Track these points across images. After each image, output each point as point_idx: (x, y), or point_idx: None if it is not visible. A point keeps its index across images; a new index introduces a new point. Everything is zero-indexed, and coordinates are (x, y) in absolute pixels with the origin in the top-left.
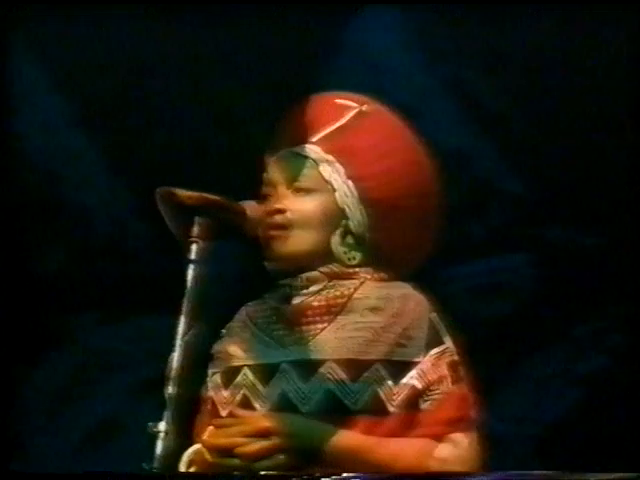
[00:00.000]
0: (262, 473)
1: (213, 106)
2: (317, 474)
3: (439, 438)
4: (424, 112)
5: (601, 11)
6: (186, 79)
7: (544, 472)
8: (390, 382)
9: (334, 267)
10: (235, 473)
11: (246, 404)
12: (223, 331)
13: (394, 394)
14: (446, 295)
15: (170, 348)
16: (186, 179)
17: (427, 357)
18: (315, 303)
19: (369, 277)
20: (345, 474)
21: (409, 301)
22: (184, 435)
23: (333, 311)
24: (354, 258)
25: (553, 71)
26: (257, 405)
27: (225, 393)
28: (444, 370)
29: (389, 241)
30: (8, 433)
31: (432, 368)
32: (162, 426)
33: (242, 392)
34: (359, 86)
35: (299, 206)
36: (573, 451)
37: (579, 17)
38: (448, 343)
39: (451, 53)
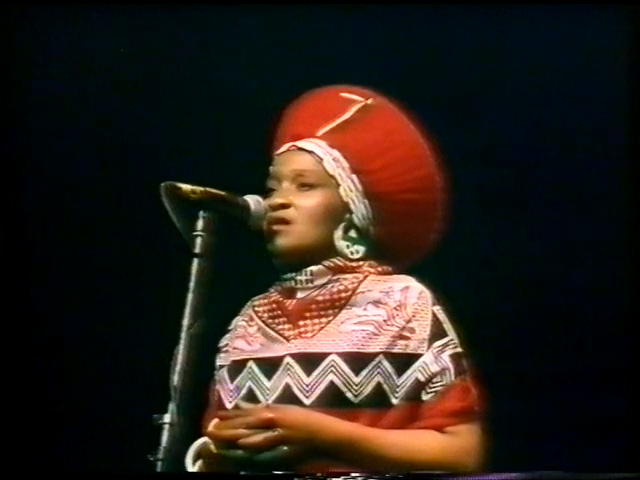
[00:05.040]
0: (277, 473)
1: (218, 100)
2: (319, 474)
3: (442, 430)
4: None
5: (600, 12)
6: (190, 73)
7: (544, 472)
8: (393, 375)
9: (338, 261)
10: (241, 473)
11: (251, 397)
12: (230, 326)
13: (397, 386)
14: (450, 288)
15: (175, 340)
16: (190, 173)
17: (430, 349)
18: (319, 298)
19: (372, 271)
20: (353, 474)
21: (412, 294)
22: (189, 427)
23: (337, 305)
24: (357, 252)
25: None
26: (262, 398)
27: (231, 386)
28: (447, 362)
29: (393, 234)
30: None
31: (435, 360)
32: (167, 418)
33: (247, 385)
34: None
35: (303, 201)
36: (573, 451)
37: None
38: (451, 335)
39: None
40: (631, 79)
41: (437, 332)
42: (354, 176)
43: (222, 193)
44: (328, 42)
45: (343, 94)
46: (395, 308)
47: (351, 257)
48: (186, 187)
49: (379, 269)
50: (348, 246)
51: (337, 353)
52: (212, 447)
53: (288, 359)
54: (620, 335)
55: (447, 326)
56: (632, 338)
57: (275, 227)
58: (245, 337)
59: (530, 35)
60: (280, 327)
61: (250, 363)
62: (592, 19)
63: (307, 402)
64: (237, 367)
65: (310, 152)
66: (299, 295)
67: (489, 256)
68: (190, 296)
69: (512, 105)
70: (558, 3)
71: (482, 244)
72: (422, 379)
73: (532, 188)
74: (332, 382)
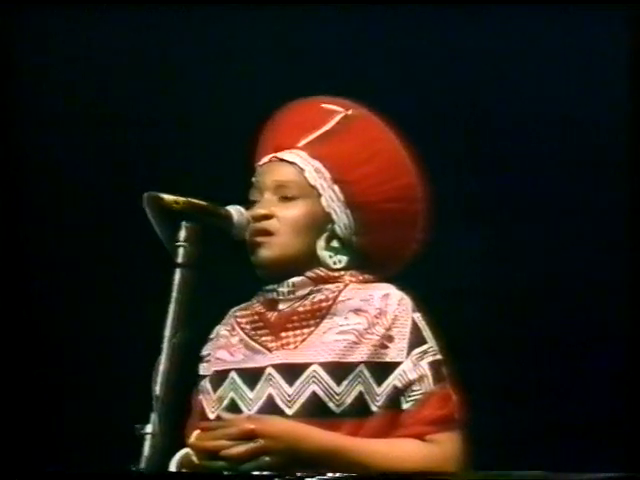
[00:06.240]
0: (254, 473)
1: (200, 112)
2: (300, 474)
3: (422, 438)
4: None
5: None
6: (172, 85)
7: (544, 472)
8: (374, 383)
9: (320, 271)
10: (225, 473)
11: (234, 408)
12: (212, 335)
13: (377, 395)
14: (431, 295)
15: (157, 351)
16: (173, 184)
17: (409, 357)
18: (301, 309)
19: (354, 280)
20: (329, 474)
21: (392, 301)
22: (172, 437)
23: (318, 315)
24: (340, 262)
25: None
26: (244, 408)
27: (214, 397)
28: (425, 370)
29: (375, 244)
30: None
31: (413, 368)
32: (149, 428)
33: (230, 396)
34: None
35: (285, 212)
36: (557, 455)
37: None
38: (431, 342)
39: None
40: (632, 81)
41: (416, 339)
42: (335, 186)
43: (204, 204)
44: (309, 53)
45: (324, 105)
46: (376, 316)
47: (334, 267)
48: (169, 197)
49: (360, 278)
50: (331, 256)
51: (319, 363)
52: (194, 458)
53: (270, 370)
54: (603, 340)
55: (427, 333)
56: (614, 343)
57: (258, 238)
58: (227, 347)
59: (515, 39)
60: (263, 339)
61: (232, 373)
62: (591, 21)
63: (289, 412)
64: (219, 377)
65: (292, 163)
66: (281, 307)
67: (470, 264)
68: (172, 306)
69: (494, 113)
70: (556, 3)
71: (463, 252)
72: (400, 386)
73: (513, 197)
74: (314, 392)
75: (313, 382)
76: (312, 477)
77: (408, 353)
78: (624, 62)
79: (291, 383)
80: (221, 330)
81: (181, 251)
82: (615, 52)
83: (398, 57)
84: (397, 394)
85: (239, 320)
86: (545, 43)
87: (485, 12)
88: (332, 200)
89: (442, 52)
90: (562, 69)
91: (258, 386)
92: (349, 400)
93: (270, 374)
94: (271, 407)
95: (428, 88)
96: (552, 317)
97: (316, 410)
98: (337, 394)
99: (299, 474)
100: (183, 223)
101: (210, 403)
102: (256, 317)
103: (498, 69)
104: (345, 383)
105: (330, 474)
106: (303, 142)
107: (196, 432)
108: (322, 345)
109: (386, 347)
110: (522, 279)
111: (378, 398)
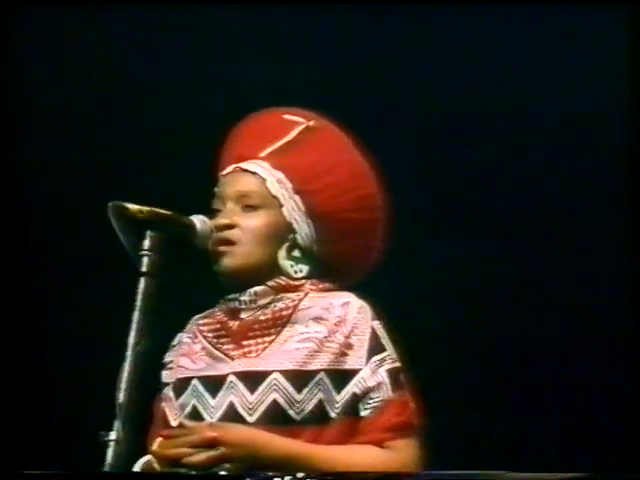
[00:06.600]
0: (223, 474)
1: (165, 121)
2: (271, 474)
3: (380, 444)
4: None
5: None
6: (137, 94)
7: (542, 474)
8: (333, 391)
9: (281, 280)
10: (193, 473)
11: (196, 415)
12: (174, 342)
13: (337, 402)
14: (390, 303)
15: (121, 358)
16: (137, 193)
17: (368, 364)
18: (262, 317)
19: (314, 288)
20: (299, 474)
21: (351, 309)
22: (135, 444)
23: (279, 323)
24: (301, 271)
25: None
26: (206, 416)
27: (176, 404)
28: (383, 377)
29: (336, 253)
30: None
31: (372, 375)
32: (113, 435)
33: (192, 403)
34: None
35: (247, 222)
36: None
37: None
38: (389, 350)
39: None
40: (632, 81)
41: (375, 347)
42: (297, 196)
43: (168, 213)
44: (271, 64)
45: (286, 116)
46: (335, 324)
47: (295, 276)
48: (133, 207)
49: (321, 287)
50: (292, 265)
51: (280, 371)
52: (156, 465)
53: (232, 377)
54: (560, 348)
55: (386, 341)
56: (571, 351)
57: (220, 248)
58: (190, 355)
59: (515, 39)
60: (225, 347)
61: (194, 381)
62: (591, 21)
63: (250, 420)
64: (182, 385)
65: (254, 173)
66: (243, 315)
67: (430, 272)
68: (136, 314)
69: (454, 123)
70: (555, 3)
71: (423, 260)
72: (358, 392)
73: (473, 206)
74: (275, 400)
75: (274, 390)
76: (281, 477)
77: (367, 361)
78: (624, 62)
79: (252, 391)
80: (183, 337)
81: (145, 260)
82: (615, 52)
83: (356, 67)
84: (356, 401)
85: (201, 328)
86: (545, 43)
87: (485, 12)
88: (293, 210)
89: (401, 66)
90: (562, 69)
91: (220, 394)
92: (309, 407)
93: (232, 382)
94: (232, 415)
95: (389, 100)
96: (516, 322)
97: (277, 418)
98: (297, 402)
99: (270, 473)
100: (147, 232)
101: (172, 410)
102: (218, 325)
103: (496, 69)
104: (305, 391)
105: (300, 474)
106: (265, 152)
107: (158, 440)
108: (283, 353)
109: (346, 355)
110: (482, 285)
111: (337, 405)
